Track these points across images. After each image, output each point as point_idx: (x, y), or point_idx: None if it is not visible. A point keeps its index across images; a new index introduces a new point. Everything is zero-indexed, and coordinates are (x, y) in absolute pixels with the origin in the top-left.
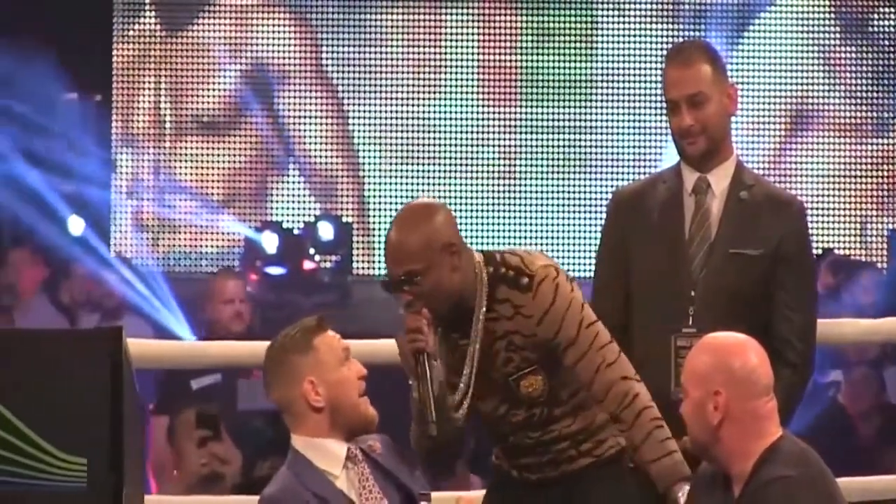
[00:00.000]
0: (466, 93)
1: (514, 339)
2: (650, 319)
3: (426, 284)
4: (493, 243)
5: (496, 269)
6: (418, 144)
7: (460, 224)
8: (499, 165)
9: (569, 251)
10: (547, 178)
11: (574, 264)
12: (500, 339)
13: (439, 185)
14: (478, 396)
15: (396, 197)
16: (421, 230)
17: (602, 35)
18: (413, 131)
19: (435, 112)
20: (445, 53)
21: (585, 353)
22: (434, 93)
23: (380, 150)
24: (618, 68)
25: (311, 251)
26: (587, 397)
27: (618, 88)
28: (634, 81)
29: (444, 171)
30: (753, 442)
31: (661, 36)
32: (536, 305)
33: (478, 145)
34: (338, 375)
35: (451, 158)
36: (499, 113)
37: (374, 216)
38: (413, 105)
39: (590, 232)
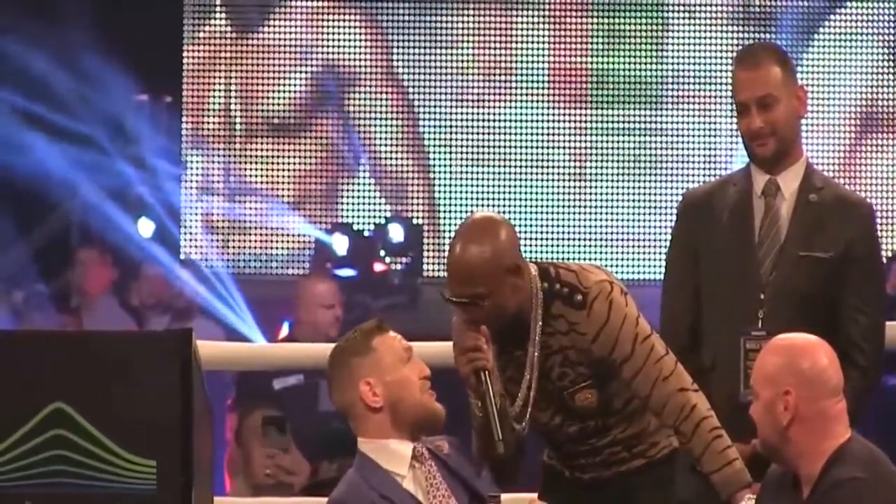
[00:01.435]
0: (537, 95)
1: (569, 353)
2: (720, 322)
3: (489, 308)
4: (563, 246)
5: (551, 286)
6: (488, 147)
7: (530, 227)
8: (569, 168)
9: (639, 253)
10: (617, 181)
11: (644, 266)
12: (556, 353)
13: (509, 187)
14: (534, 407)
15: (467, 199)
16: (487, 253)
17: (672, 37)
18: (483, 133)
19: (505, 114)
20: (516, 56)
21: (641, 367)
22: (504, 95)
23: (450, 153)
24: (688, 70)
25: (382, 253)
26: (640, 405)
27: (688, 91)
28: (705, 83)
29: (514, 174)
30: (823, 442)
31: (731, 38)
32: (591, 323)
33: (548, 148)
34: (397, 375)
35: (521, 161)
36: (569, 115)
37: (444, 218)
38: (483, 107)
39: (660, 234)
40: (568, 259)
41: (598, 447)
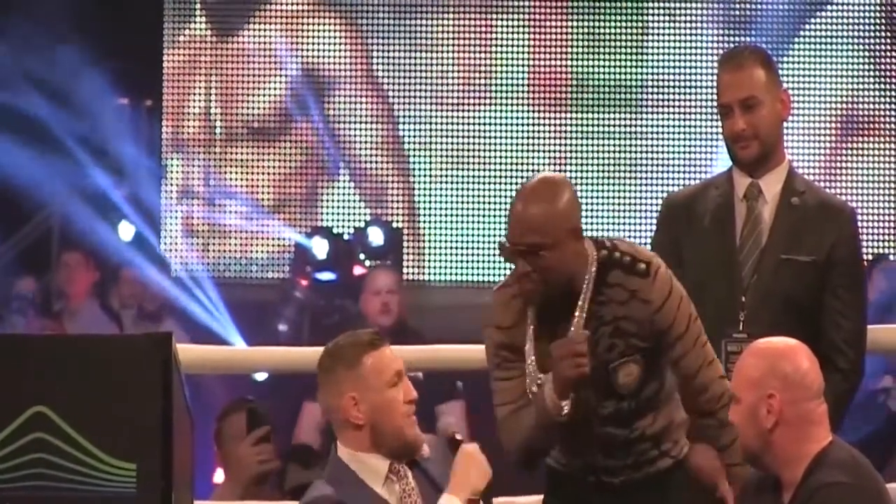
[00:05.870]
0: (517, 98)
1: (623, 324)
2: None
3: (547, 260)
4: None
5: (610, 254)
6: (468, 150)
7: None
8: (549, 171)
9: None
10: (598, 184)
11: None
12: (607, 324)
13: (489, 191)
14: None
15: (446, 203)
16: (552, 207)
17: (652, 41)
18: (463, 137)
19: (485, 118)
20: (496, 59)
21: (692, 348)
22: (484, 98)
23: (430, 156)
24: (668, 74)
25: (362, 257)
26: (666, 397)
27: (668, 94)
28: (685, 87)
29: (494, 177)
30: (805, 446)
31: (712, 42)
32: (656, 291)
33: (528, 151)
34: (383, 397)
35: (501, 164)
36: (549, 119)
37: (424, 222)
38: (463, 110)
39: (641, 237)
40: None
41: (629, 441)
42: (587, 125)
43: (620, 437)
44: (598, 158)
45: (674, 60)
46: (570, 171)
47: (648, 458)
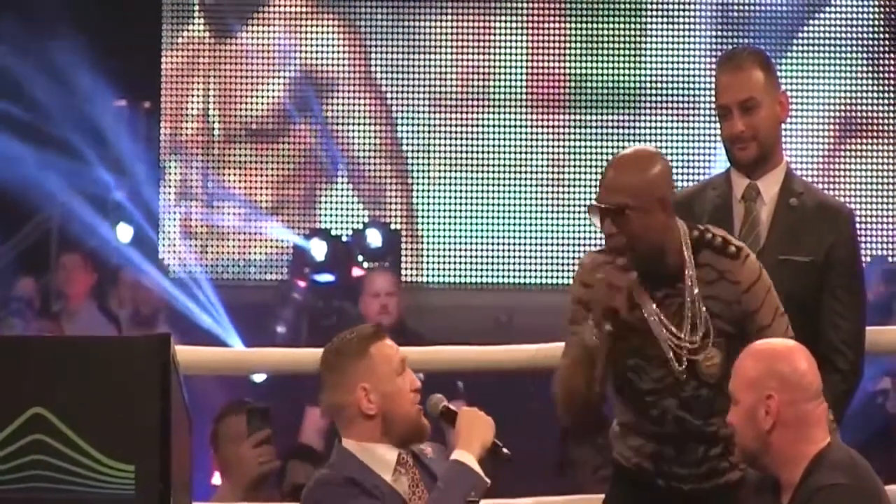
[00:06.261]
0: (515, 100)
1: (710, 304)
2: None
3: (634, 224)
4: (542, 250)
5: (701, 235)
6: (466, 152)
7: (508, 232)
8: (547, 173)
9: None
10: (596, 185)
11: None
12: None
13: (487, 192)
14: (648, 363)
15: (445, 204)
16: (644, 173)
17: (650, 42)
18: (461, 139)
19: (483, 120)
20: (494, 61)
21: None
22: (482, 100)
23: (428, 158)
24: (666, 76)
25: (360, 258)
26: None
27: (666, 96)
28: (683, 88)
29: (492, 179)
30: (803, 448)
31: (710, 43)
32: (745, 273)
33: (526, 153)
34: (392, 386)
35: (499, 166)
36: (547, 120)
37: (422, 223)
38: (461, 113)
39: None
40: (549, 262)
41: (704, 435)
42: (585, 126)
43: (695, 429)
44: (596, 160)
45: (672, 62)
46: (568, 172)
47: (719, 469)
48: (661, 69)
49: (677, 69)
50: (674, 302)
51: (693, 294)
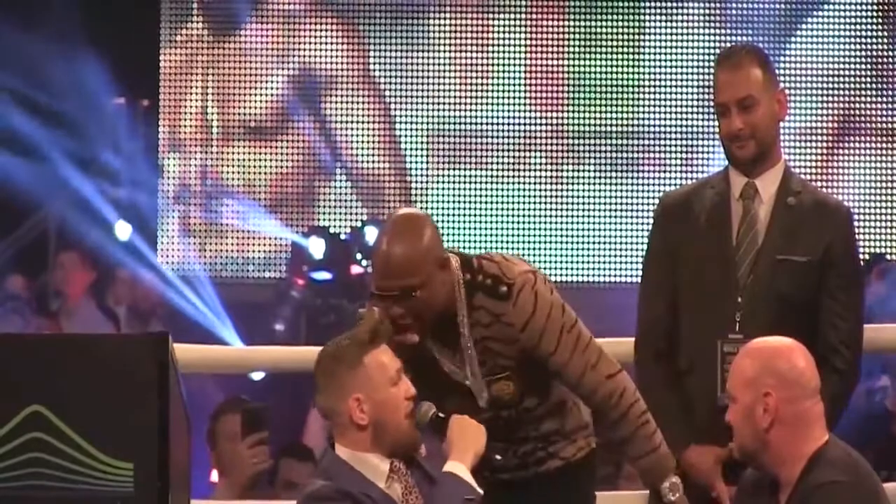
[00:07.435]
0: (513, 97)
1: (490, 344)
2: (697, 325)
3: (421, 299)
4: (539, 247)
5: (473, 277)
6: (465, 149)
7: (507, 229)
8: (546, 170)
9: (616, 255)
10: (594, 183)
11: (620, 269)
12: (477, 343)
13: (486, 190)
14: (443, 397)
15: (443, 202)
16: (417, 245)
17: (649, 39)
18: (460, 136)
19: (482, 116)
20: (493, 58)
21: (570, 358)
22: (481, 97)
23: (426, 156)
24: (665, 72)
25: (358, 256)
26: (552, 409)
27: (665, 93)
28: (682, 85)
29: (491, 176)
30: (802, 446)
31: (709, 40)
32: (517, 313)
33: (525, 150)
34: (385, 395)
35: (497, 163)
36: (546, 117)
37: None
38: (460, 109)
39: (637, 237)
40: (546, 259)
41: (512, 442)
42: (584, 124)
43: (503, 440)
44: (594, 157)
45: (670, 59)
46: (567, 170)
47: (536, 459)
48: (661, 65)
49: (676, 65)
50: (459, 345)
51: (467, 339)
